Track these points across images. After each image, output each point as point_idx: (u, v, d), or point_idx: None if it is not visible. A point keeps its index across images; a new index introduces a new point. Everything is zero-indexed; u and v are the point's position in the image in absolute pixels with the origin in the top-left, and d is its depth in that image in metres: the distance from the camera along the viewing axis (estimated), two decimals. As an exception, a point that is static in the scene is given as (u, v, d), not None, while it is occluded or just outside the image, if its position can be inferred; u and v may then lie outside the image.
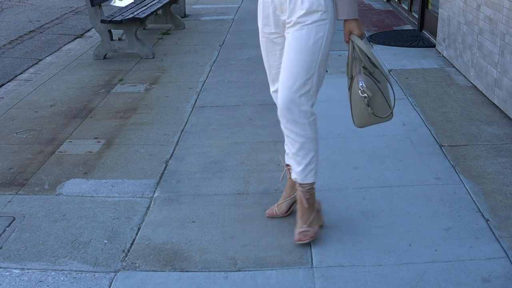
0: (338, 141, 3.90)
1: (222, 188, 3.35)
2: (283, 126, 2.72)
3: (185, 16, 8.48)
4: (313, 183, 2.80)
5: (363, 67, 2.65)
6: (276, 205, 3.02)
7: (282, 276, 2.57)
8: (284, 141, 2.84)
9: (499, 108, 4.36)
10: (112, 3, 10.09)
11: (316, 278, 2.55)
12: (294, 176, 2.80)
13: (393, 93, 2.72)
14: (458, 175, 3.41)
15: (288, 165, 2.93)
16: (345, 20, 2.64)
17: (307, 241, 2.76)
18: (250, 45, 6.59)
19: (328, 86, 5.02)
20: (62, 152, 3.93)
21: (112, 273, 2.63)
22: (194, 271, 2.63)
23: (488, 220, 2.94)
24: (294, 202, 3.00)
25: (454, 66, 5.46)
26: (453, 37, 5.46)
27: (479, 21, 4.76)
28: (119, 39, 6.58)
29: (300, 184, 2.79)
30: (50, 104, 4.88)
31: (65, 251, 2.80)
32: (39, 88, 5.32)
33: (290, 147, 2.75)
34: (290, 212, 3.01)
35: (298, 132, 2.66)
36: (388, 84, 2.69)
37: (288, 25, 2.63)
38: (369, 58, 2.63)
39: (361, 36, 2.64)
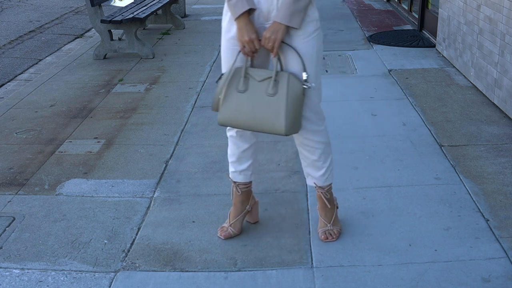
0: (338, 141, 3.89)
1: (222, 188, 3.35)
2: (301, 138, 2.66)
3: (185, 16, 8.48)
4: (331, 183, 2.83)
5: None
6: (229, 224, 2.89)
7: (282, 276, 2.57)
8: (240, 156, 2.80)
9: (499, 108, 4.36)
10: (112, 3, 10.09)
11: (316, 278, 2.55)
12: (312, 181, 2.79)
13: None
14: (458, 175, 3.41)
15: (235, 182, 2.85)
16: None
17: (334, 240, 2.79)
18: (250, 45, 6.58)
19: (328, 86, 5.03)
20: (62, 152, 3.93)
21: (112, 273, 2.63)
22: (194, 271, 2.63)
23: (488, 220, 2.94)
24: (246, 215, 2.93)
25: (454, 66, 5.46)
26: (453, 37, 5.46)
27: (479, 21, 4.76)
28: (119, 39, 6.58)
29: (320, 187, 2.80)
30: (50, 104, 4.88)
31: (65, 251, 2.80)
32: (39, 88, 5.32)
33: (309, 156, 2.72)
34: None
35: (319, 140, 2.67)
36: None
37: None
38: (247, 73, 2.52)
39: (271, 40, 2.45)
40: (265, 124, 2.48)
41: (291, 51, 2.51)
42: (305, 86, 2.48)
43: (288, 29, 2.46)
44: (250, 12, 2.47)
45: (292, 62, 2.52)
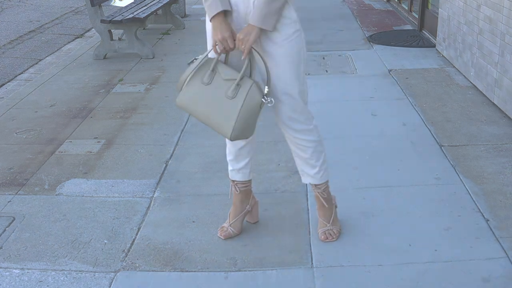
0: (338, 141, 3.90)
1: (222, 188, 3.35)
2: (291, 137, 2.67)
3: (185, 16, 8.48)
4: (327, 181, 2.81)
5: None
6: (228, 224, 2.90)
7: (282, 276, 2.57)
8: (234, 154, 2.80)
9: (499, 108, 4.36)
10: (112, 3, 10.09)
11: (316, 278, 2.55)
12: (308, 180, 2.78)
13: None
14: (458, 175, 3.41)
15: (234, 180, 2.86)
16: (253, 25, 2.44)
17: (334, 240, 2.79)
18: (250, 45, 6.58)
19: (328, 86, 5.03)
20: (62, 152, 3.93)
21: (112, 273, 2.63)
22: (194, 271, 2.63)
23: (488, 220, 2.94)
24: (246, 215, 2.94)
25: (454, 66, 5.46)
26: (453, 37, 5.46)
27: (479, 21, 4.76)
28: (119, 39, 6.58)
29: (316, 186, 2.79)
30: (50, 104, 4.88)
31: (65, 251, 2.80)
32: (39, 88, 5.32)
33: (301, 154, 2.71)
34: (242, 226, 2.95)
35: (309, 138, 2.66)
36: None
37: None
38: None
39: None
40: (214, 122, 2.49)
41: (267, 59, 2.50)
42: (263, 100, 2.46)
43: (265, 32, 2.45)
44: (226, 14, 2.48)
45: (264, 70, 2.52)
